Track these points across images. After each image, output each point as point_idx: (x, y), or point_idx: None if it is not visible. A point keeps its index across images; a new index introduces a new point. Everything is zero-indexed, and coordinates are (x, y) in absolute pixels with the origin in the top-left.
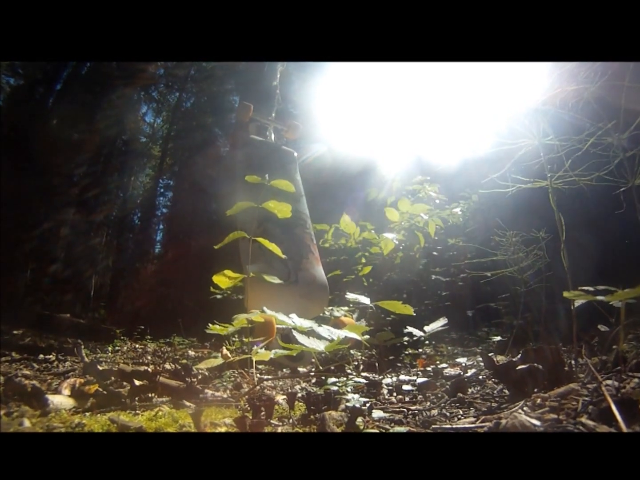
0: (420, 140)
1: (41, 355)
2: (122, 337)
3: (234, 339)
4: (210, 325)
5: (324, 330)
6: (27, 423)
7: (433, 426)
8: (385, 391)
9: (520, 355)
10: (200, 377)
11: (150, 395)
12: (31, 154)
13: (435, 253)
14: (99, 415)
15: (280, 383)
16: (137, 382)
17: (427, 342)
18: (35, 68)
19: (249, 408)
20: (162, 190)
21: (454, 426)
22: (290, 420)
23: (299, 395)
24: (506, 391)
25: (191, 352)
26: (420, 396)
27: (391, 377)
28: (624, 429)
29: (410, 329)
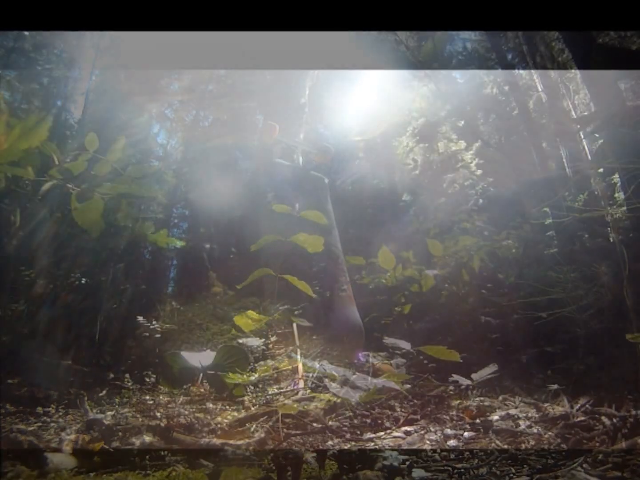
0: (467, 162)
1: (39, 408)
2: (130, 387)
3: (257, 388)
4: (229, 373)
5: (359, 378)
6: None
7: None
8: (427, 447)
9: (579, 405)
10: (219, 432)
11: (162, 453)
12: None
13: (484, 291)
14: (104, 475)
15: (310, 439)
16: (147, 439)
17: (475, 391)
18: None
19: (273, 467)
20: (175, 220)
21: None
22: None
23: (331, 452)
24: (564, 446)
25: (209, 404)
26: (467, 452)
27: (435, 431)
28: None
29: (456, 377)
